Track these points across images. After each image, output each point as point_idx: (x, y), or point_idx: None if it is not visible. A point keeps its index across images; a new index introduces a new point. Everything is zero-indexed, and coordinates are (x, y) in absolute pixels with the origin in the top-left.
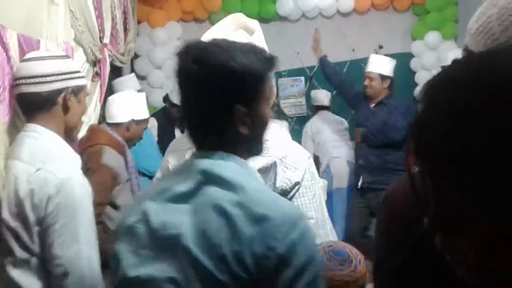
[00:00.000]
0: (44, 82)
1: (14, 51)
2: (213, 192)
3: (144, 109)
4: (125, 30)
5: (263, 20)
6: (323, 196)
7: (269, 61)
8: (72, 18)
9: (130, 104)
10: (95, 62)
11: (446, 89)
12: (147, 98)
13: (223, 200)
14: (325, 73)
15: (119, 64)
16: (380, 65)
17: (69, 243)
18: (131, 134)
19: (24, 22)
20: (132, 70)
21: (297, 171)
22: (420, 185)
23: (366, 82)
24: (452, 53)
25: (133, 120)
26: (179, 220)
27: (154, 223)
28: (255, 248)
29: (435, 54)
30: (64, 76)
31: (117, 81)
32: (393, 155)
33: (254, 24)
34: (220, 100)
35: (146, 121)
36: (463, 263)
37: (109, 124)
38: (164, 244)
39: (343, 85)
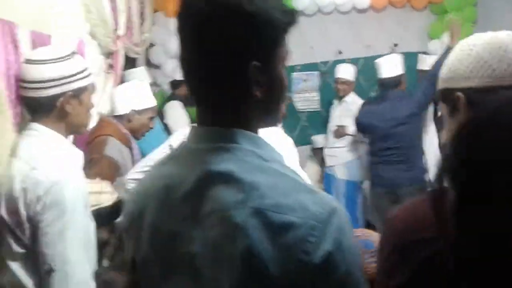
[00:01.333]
0: (41, 88)
1: (26, 48)
2: (219, 196)
3: (145, 98)
4: (142, 19)
5: None
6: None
7: (291, 13)
8: (86, 11)
9: (130, 95)
10: (108, 55)
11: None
12: (161, 87)
13: (231, 208)
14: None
15: (133, 55)
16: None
17: (55, 242)
18: (134, 125)
19: (36, 18)
20: (147, 60)
21: None
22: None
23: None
24: None
25: (134, 110)
26: (188, 234)
27: (162, 232)
28: (281, 267)
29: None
30: (63, 81)
31: (128, 73)
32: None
33: None
34: (232, 53)
35: (150, 110)
36: None
37: (114, 117)
38: (175, 262)
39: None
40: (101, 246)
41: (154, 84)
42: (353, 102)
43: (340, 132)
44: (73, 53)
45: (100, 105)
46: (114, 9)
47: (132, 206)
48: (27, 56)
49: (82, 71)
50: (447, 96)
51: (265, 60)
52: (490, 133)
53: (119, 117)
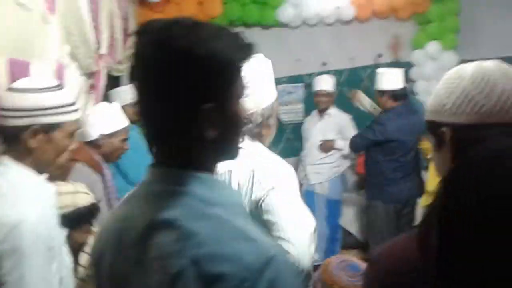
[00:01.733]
0: (8, 117)
1: (3, 77)
2: (161, 244)
3: (114, 121)
4: (125, 35)
5: (263, 26)
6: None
7: (245, 48)
8: (66, 33)
9: (98, 119)
10: (90, 75)
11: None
12: None
13: (170, 257)
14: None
15: (116, 74)
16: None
17: None
18: (105, 150)
19: (15, 45)
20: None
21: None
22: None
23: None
24: (452, 64)
25: (102, 135)
26: (137, 278)
27: (117, 274)
28: None
29: (435, 64)
30: (32, 113)
31: (112, 92)
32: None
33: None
34: (182, 97)
35: (121, 132)
36: None
37: (86, 143)
38: None
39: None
40: (77, 250)
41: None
42: (338, 115)
43: (327, 147)
44: (58, 86)
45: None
46: (96, 27)
47: (96, 245)
48: (11, 84)
49: (60, 106)
50: (434, 129)
51: (218, 101)
52: (470, 186)
53: (89, 144)
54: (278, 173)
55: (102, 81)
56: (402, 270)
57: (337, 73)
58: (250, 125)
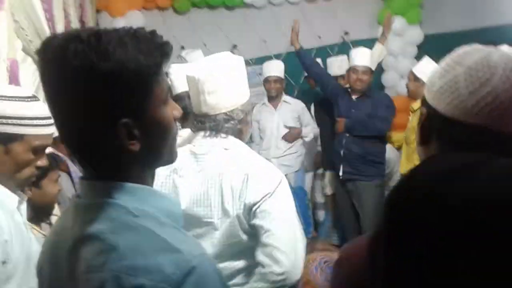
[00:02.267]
0: None
1: None
2: (86, 258)
3: None
4: (82, 24)
5: (228, 8)
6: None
7: (159, 49)
8: (17, 29)
9: None
10: None
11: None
12: None
13: (93, 271)
14: (304, 65)
15: None
16: (367, 58)
17: None
18: None
19: None
20: None
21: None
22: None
23: (356, 76)
24: (417, 39)
25: None
26: None
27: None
28: None
29: (401, 40)
30: None
31: None
32: (375, 147)
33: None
34: (94, 115)
35: None
36: None
37: (54, 139)
38: None
39: (323, 76)
40: (49, 209)
41: None
42: (294, 102)
43: (294, 136)
44: (28, 97)
45: None
46: (50, 18)
47: (39, 258)
48: None
49: (20, 118)
50: (422, 104)
51: (134, 115)
52: (413, 210)
53: (54, 140)
54: (273, 178)
55: None
56: (363, 272)
57: (307, 52)
58: (232, 122)
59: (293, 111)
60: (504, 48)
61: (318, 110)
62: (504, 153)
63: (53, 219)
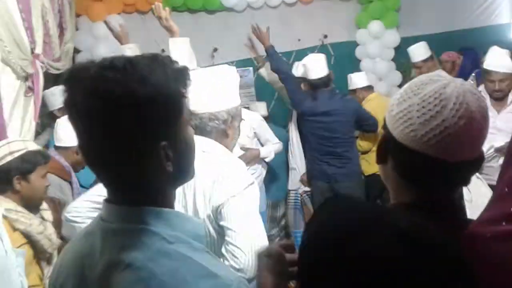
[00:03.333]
0: None
1: None
2: (121, 285)
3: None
4: (61, 30)
5: (208, 12)
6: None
7: (181, 73)
8: None
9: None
10: (26, 77)
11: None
12: None
13: None
14: (272, 65)
15: (54, 72)
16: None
17: None
18: (81, 157)
19: None
20: None
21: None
22: None
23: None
24: (394, 42)
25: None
26: None
27: None
28: None
29: (378, 43)
30: None
31: (49, 92)
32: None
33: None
34: (134, 142)
35: None
36: None
37: (57, 148)
38: None
39: (290, 77)
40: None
41: None
42: (248, 115)
43: (251, 157)
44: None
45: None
46: (29, 27)
47: (54, 278)
48: None
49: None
50: (384, 124)
51: (171, 137)
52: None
53: (64, 149)
54: (241, 180)
55: (41, 82)
56: None
57: (285, 55)
58: (216, 122)
59: (247, 127)
60: (495, 48)
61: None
62: (448, 180)
63: (44, 213)
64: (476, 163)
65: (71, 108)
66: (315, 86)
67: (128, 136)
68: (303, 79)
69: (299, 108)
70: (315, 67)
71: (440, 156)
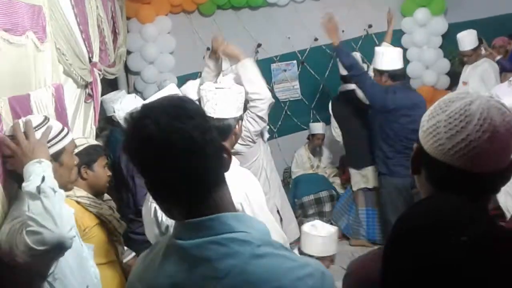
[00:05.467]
0: None
1: (6, 115)
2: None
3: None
4: (115, 35)
5: (252, 8)
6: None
7: (203, 116)
8: (59, 54)
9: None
10: (86, 85)
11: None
12: (141, 93)
13: None
14: (343, 63)
15: (110, 77)
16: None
17: None
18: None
19: (13, 82)
20: (126, 69)
21: None
22: None
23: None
24: (442, 29)
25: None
26: None
27: None
28: None
29: (425, 30)
30: None
31: (107, 99)
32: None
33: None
34: (209, 165)
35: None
36: None
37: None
38: None
39: (365, 72)
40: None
41: (134, 91)
42: None
43: None
44: (44, 120)
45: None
46: (86, 38)
47: None
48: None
49: (55, 136)
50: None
51: (227, 149)
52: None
53: None
54: (247, 187)
55: (99, 89)
56: (372, 281)
57: (329, 47)
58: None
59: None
60: None
61: (336, 107)
62: (473, 189)
63: (108, 203)
64: (506, 173)
65: (144, 143)
66: (397, 77)
67: (204, 163)
68: (383, 72)
69: (385, 102)
70: (397, 57)
71: (466, 168)
